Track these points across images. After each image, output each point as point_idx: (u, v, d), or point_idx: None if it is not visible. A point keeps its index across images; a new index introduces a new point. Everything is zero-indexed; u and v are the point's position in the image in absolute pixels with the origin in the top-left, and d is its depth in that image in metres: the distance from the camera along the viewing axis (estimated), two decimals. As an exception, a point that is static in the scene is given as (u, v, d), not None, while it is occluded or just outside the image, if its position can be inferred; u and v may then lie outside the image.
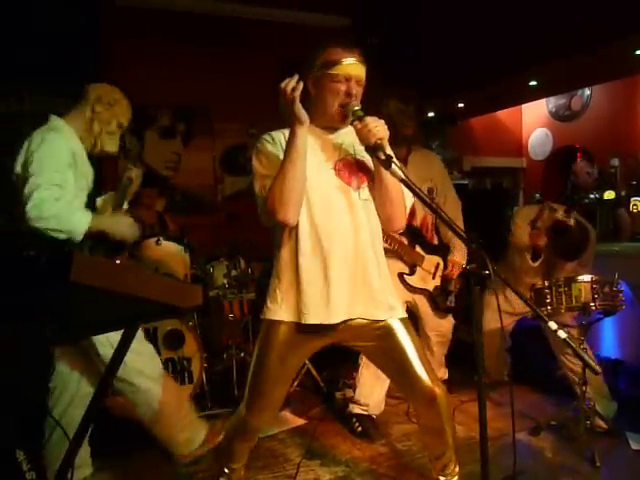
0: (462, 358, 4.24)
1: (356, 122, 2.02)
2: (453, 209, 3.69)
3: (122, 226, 2.56)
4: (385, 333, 2.19)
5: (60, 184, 2.35)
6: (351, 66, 2.06)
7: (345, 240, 2.10)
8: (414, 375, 2.18)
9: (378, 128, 1.97)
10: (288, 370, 2.26)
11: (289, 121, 2.00)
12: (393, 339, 2.19)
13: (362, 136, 1.99)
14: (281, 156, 2.04)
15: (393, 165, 1.91)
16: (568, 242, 3.24)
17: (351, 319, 2.12)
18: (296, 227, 2.09)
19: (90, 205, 2.59)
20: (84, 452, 2.69)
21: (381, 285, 2.19)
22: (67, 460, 1.69)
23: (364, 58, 2.11)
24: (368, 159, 2.15)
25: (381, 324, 2.17)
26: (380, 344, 2.21)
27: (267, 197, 2.02)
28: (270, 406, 2.29)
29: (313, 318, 2.07)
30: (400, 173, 1.90)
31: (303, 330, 2.11)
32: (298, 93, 1.93)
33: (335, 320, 2.09)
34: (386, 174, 1.99)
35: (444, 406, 2.24)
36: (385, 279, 2.23)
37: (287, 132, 2.04)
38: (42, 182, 2.30)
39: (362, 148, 2.07)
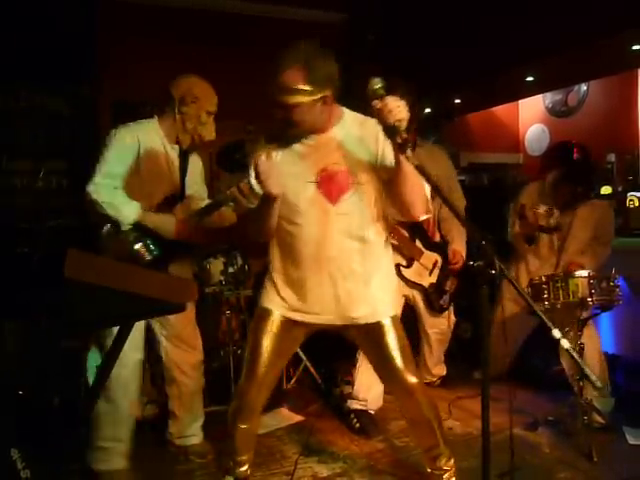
0: (460, 355, 4.26)
1: (376, 101, 1.92)
2: (458, 206, 3.70)
3: (166, 225, 2.69)
4: (365, 332, 2.36)
5: (120, 175, 2.63)
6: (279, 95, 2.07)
7: (318, 250, 2.21)
8: (393, 367, 2.32)
9: (399, 109, 1.88)
10: (281, 353, 2.41)
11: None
12: (374, 337, 2.35)
13: (381, 116, 1.91)
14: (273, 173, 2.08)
15: (408, 150, 1.86)
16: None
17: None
18: (275, 235, 2.29)
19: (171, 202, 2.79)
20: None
21: (366, 291, 2.30)
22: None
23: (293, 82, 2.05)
24: (358, 160, 2.17)
25: (362, 324, 2.32)
26: (361, 338, 2.42)
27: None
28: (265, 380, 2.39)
29: (293, 315, 2.32)
30: (414, 159, 1.87)
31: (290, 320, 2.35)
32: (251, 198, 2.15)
33: (312, 321, 2.33)
34: (403, 159, 1.95)
35: (421, 396, 2.41)
36: (377, 283, 2.33)
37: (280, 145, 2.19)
38: (105, 170, 2.61)
39: (351, 158, 2.15)
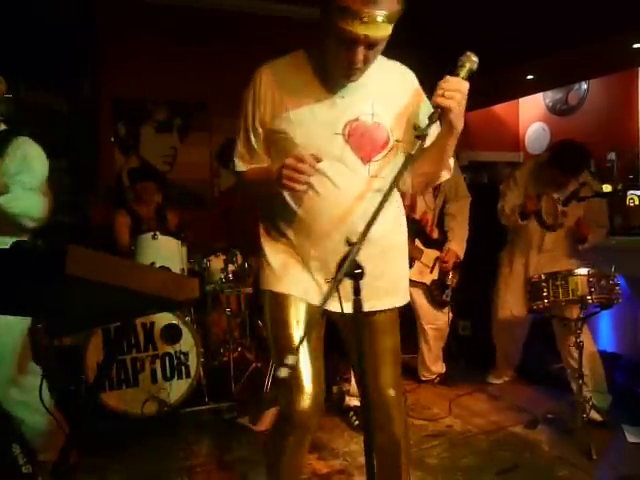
0: (460, 353, 4.27)
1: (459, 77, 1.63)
2: (462, 203, 3.72)
3: None
4: (369, 321, 1.91)
5: None
6: (365, 27, 1.52)
7: (341, 223, 1.76)
8: (374, 373, 1.92)
9: (450, 94, 1.59)
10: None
11: (275, 185, 1.68)
12: (376, 327, 1.93)
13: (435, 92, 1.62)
14: (259, 114, 1.79)
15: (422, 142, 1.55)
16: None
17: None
18: (284, 204, 1.83)
19: None
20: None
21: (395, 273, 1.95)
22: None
23: (393, 12, 1.55)
24: (388, 123, 1.79)
25: (376, 310, 1.92)
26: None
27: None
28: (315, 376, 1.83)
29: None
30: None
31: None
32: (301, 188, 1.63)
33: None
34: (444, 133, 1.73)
35: (397, 413, 1.95)
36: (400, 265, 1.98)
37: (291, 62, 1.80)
38: None
39: (385, 110, 1.77)
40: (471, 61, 1.64)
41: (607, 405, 3.34)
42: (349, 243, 1.38)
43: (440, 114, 1.60)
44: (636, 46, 4.40)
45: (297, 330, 1.84)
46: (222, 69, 5.22)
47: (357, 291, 1.43)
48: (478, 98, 6.35)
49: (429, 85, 1.73)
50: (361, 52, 1.60)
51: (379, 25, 1.54)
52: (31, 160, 2.37)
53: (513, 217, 3.53)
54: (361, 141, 1.76)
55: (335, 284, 1.36)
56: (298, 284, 1.86)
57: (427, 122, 1.57)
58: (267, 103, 1.78)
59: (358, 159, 1.76)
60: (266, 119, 1.80)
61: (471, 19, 4.79)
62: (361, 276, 1.39)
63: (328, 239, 1.79)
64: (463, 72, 1.63)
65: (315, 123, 1.74)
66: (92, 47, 4.95)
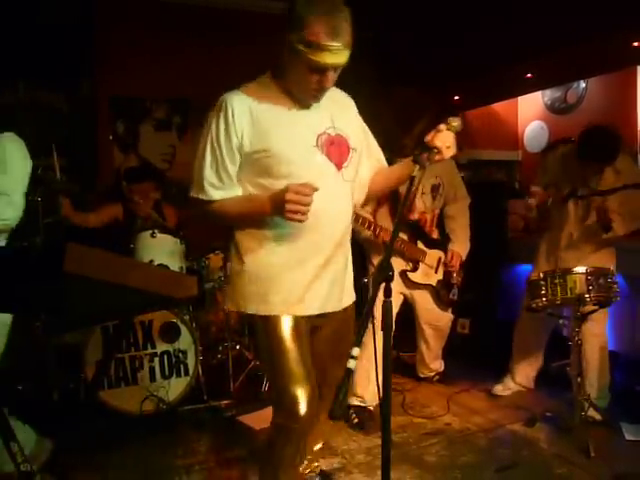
0: (459, 351, 4.27)
1: (443, 125, 1.94)
2: (462, 205, 3.72)
3: None
4: (336, 320, 2.13)
5: None
6: (331, 56, 1.76)
7: (327, 226, 1.96)
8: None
9: (451, 146, 1.94)
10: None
11: (272, 209, 1.84)
12: (341, 325, 2.16)
13: (435, 137, 1.93)
14: (236, 140, 1.88)
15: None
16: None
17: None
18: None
19: None
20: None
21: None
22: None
23: (350, 40, 1.81)
24: (346, 134, 2.01)
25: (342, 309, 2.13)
26: (328, 330, 2.15)
27: (204, 210, 2.00)
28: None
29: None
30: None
31: None
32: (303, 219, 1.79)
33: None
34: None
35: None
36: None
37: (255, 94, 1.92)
38: None
39: (342, 124, 2.00)
40: (459, 124, 1.96)
41: (606, 403, 3.35)
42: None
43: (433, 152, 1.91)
44: (635, 44, 4.40)
45: None
46: (221, 67, 5.21)
47: (388, 293, 1.57)
48: (477, 96, 6.36)
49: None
50: (330, 76, 1.84)
51: (342, 53, 1.79)
52: (10, 159, 2.31)
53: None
54: (332, 150, 1.96)
55: (374, 288, 1.54)
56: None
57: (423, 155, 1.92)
58: (244, 129, 1.88)
59: (334, 166, 1.97)
60: (245, 143, 1.89)
61: (470, 17, 4.79)
62: (392, 278, 1.55)
63: (320, 236, 1.96)
64: (453, 130, 1.95)
65: (294, 137, 1.91)
66: (91, 45, 4.93)
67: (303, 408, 1.91)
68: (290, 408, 1.92)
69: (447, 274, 3.65)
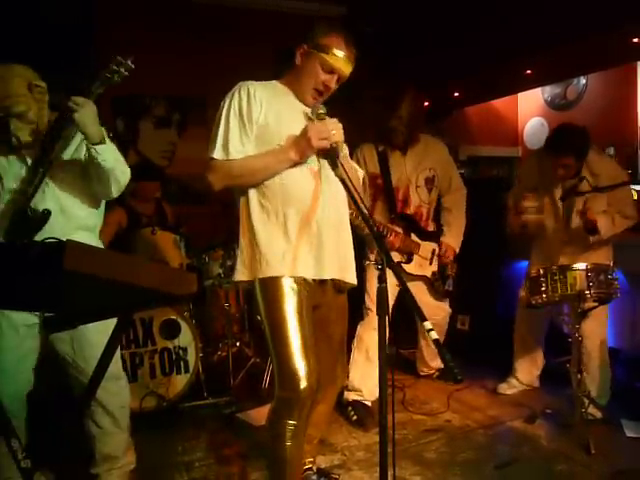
0: (458, 347, 4.26)
1: (318, 123, 2.12)
2: (458, 196, 3.72)
3: None
4: (339, 299, 2.35)
5: None
6: (342, 61, 2.14)
7: (330, 209, 2.19)
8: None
9: (334, 132, 2.07)
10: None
11: (296, 149, 2.10)
12: (343, 304, 2.40)
13: None
14: (256, 114, 2.14)
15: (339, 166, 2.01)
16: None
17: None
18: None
19: None
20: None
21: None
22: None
23: (356, 57, 2.19)
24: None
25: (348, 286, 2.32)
26: (331, 307, 2.32)
27: (225, 169, 2.21)
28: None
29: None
30: (342, 173, 2.00)
31: None
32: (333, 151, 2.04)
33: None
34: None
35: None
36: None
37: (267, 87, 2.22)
38: None
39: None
40: (323, 108, 2.18)
41: (606, 400, 3.35)
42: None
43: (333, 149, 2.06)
44: (635, 40, 4.39)
45: None
46: (220, 64, 5.20)
47: (383, 279, 1.79)
48: (477, 93, 6.36)
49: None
50: (334, 79, 2.18)
51: (350, 64, 2.18)
52: None
53: (517, 220, 3.43)
54: None
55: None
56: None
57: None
58: (262, 104, 2.16)
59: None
60: (260, 117, 2.16)
61: (470, 14, 4.78)
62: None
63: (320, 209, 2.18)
64: (325, 116, 2.15)
65: (293, 119, 2.18)
66: (91, 45, 4.92)
67: (304, 378, 2.02)
68: (291, 378, 2.02)
69: (441, 265, 3.66)
